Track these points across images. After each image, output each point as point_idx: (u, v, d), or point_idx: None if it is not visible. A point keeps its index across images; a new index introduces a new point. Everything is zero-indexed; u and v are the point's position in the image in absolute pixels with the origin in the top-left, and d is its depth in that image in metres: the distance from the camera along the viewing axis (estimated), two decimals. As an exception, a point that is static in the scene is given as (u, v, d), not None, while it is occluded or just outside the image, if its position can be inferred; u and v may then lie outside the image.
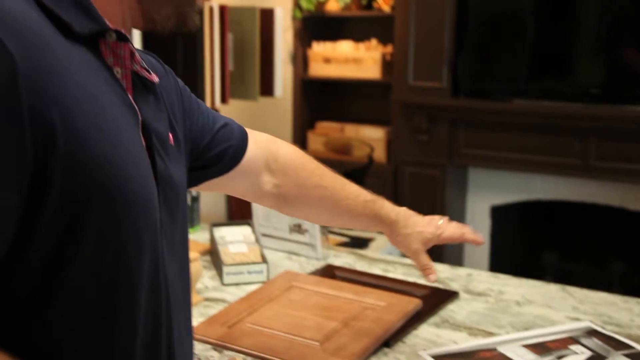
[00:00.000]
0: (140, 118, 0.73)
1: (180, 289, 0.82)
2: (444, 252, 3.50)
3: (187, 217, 0.88)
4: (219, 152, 1.04)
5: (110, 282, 0.67)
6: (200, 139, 0.99)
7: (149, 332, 0.72)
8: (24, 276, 0.62)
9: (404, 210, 1.27)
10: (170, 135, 0.82)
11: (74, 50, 0.64)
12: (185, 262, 0.85)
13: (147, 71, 0.77)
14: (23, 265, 0.61)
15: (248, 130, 1.13)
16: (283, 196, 1.17)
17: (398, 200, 3.77)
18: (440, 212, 3.50)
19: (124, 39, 0.71)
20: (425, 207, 3.49)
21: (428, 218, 1.27)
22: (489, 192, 3.70)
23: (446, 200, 3.52)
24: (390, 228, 1.24)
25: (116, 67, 0.71)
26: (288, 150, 1.21)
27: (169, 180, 0.78)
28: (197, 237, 1.93)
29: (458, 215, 3.73)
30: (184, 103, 0.95)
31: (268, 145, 1.17)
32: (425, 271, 1.24)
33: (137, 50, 0.75)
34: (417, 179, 3.56)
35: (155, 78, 0.78)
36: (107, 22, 0.69)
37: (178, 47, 2.42)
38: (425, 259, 1.24)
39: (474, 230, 1.29)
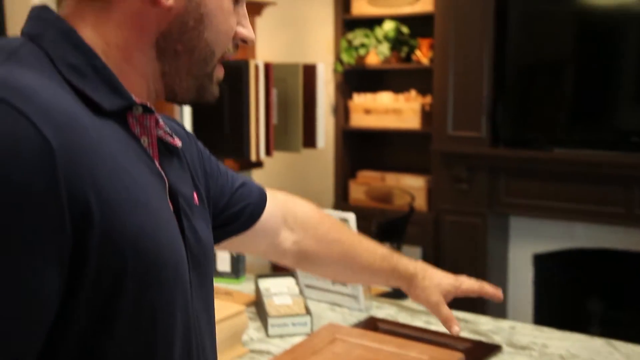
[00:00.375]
0: (167, 184, 0.75)
1: (209, 339, 0.84)
2: (487, 303, 3.46)
3: (213, 272, 0.90)
4: (238, 211, 1.05)
5: (146, 346, 0.69)
6: (219, 199, 1.01)
7: None
8: (62, 353, 0.62)
9: (421, 264, 1.27)
10: (195, 194, 0.85)
11: (104, 127, 0.67)
12: (212, 313, 0.88)
13: (171, 136, 0.79)
14: (61, 343, 0.62)
15: (267, 189, 1.15)
16: (303, 252, 1.19)
17: (439, 249, 3.76)
18: (482, 260, 3.48)
19: (150, 111, 0.73)
20: (466, 256, 3.49)
21: (445, 272, 1.27)
22: (531, 240, 3.65)
23: (487, 249, 3.49)
24: (409, 282, 1.25)
25: (143, 136, 0.74)
26: (306, 208, 1.23)
27: (197, 240, 0.80)
28: (243, 288, 1.96)
29: (500, 264, 3.69)
30: (205, 164, 0.97)
31: (286, 203, 1.20)
32: (447, 323, 1.22)
33: (160, 115, 0.78)
34: (458, 227, 3.55)
35: (178, 142, 0.80)
36: (134, 97, 0.71)
37: (224, 102, 2.50)
38: (447, 310, 1.23)
39: (493, 285, 1.28)
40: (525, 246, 3.67)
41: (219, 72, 0.79)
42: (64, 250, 0.59)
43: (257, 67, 2.54)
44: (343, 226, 1.26)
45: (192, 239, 0.79)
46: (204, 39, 0.74)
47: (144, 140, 0.74)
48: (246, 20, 0.79)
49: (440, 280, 1.25)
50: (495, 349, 1.53)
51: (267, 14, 3.15)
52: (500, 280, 3.68)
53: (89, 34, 0.70)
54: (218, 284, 1.99)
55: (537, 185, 3.40)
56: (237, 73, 2.50)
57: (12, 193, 0.56)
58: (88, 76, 0.67)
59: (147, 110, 0.73)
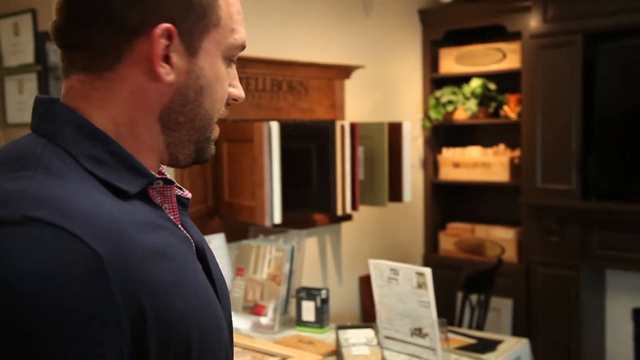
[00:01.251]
0: (194, 245, 0.75)
1: None
2: (582, 357, 3.30)
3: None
4: None
5: None
6: None
7: None
8: None
9: None
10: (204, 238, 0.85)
11: (131, 209, 0.67)
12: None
13: (181, 189, 0.79)
14: None
15: None
16: None
17: (531, 301, 3.64)
18: (577, 314, 3.34)
19: (171, 182, 0.75)
20: (560, 309, 3.36)
21: None
22: (630, 294, 3.46)
23: (582, 302, 3.34)
24: None
25: (164, 204, 0.74)
26: None
27: (223, 286, 0.80)
28: (326, 337, 2.00)
29: (597, 317, 3.51)
30: None
31: None
32: None
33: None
34: (550, 279, 3.43)
35: (189, 194, 0.80)
36: (152, 172, 0.73)
37: (312, 160, 2.59)
38: None
39: None
40: (624, 300, 3.48)
41: (216, 133, 0.79)
42: (124, 350, 0.60)
43: (343, 127, 2.63)
44: None
45: (222, 290, 0.79)
46: (203, 107, 0.74)
47: (166, 207, 0.75)
48: (236, 81, 0.79)
49: None
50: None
51: (356, 76, 3.26)
52: (597, 335, 3.50)
53: (96, 116, 0.70)
54: (302, 333, 2.05)
55: (633, 238, 3.24)
56: (324, 133, 2.59)
57: (71, 309, 0.56)
58: (108, 163, 0.69)
59: (167, 182, 0.75)
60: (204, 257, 0.78)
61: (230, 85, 0.77)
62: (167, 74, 0.70)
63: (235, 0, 0.77)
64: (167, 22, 0.69)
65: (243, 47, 0.77)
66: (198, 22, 0.71)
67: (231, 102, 0.79)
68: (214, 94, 0.75)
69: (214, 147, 0.80)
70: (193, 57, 0.72)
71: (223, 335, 0.74)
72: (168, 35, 0.69)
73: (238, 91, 0.79)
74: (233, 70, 0.78)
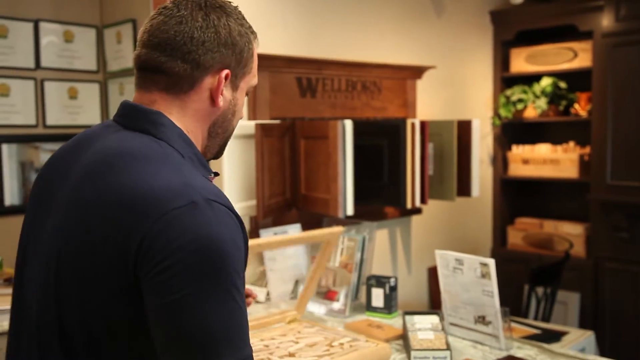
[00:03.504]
0: None
1: None
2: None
3: None
4: None
5: None
6: None
7: None
8: None
9: None
10: None
11: None
12: None
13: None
14: None
15: None
16: None
17: (599, 295, 3.54)
18: (645, 309, 3.21)
19: (217, 174, 1.05)
20: (628, 304, 3.24)
21: None
22: (701, 291, 3.30)
23: (651, 298, 3.22)
24: None
25: None
26: None
27: None
28: (394, 322, 2.03)
29: (667, 313, 3.37)
30: None
31: None
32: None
33: None
34: (618, 274, 3.31)
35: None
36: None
37: (384, 156, 2.62)
38: None
39: None
40: (696, 297, 3.32)
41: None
42: None
43: (413, 125, 2.64)
44: None
45: None
46: (232, 125, 1.06)
47: None
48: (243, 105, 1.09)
49: None
50: (631, 394, 1.45)
51: (428, 76, 3.25)
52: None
53: (176, 124, 0.98)
54: (372, 318, 2.08)
55: None
56: (395, 131, 2.61)
57: (240, 255, 0.89)
58: (195, 161, 0.98)
59: (216, 174, 1.04)
60: None
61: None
62: (221, 101, 1.00)
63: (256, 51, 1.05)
64: (227, 67, 0.99)
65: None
66: (242, 70, 1.02)
67: None
68: (239, 116, 1.06)
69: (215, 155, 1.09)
70: (234, 92, 1.03)
71: None
72: (226, 76, 0.99)
73: (243, 113, 1.10)
74: (245, 97, 1.08)
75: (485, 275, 1.78)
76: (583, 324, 3.35)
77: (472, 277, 1.82)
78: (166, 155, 0.93)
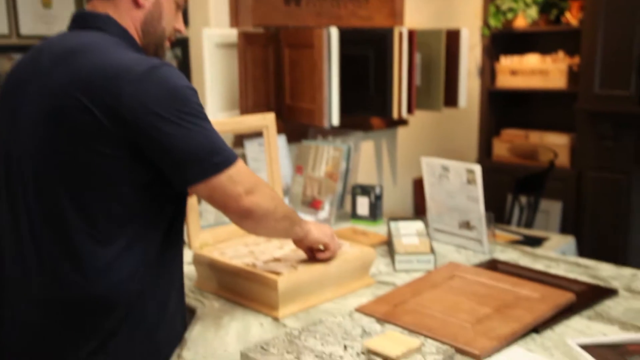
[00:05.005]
0: None
1: None
2: (630, 256, 3.24)
3: None
4: None
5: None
6: None
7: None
8: None
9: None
10: None
11: None
12: None
13: None
14: None
15: None
16: None
17: (581, 205, 3.56)
18: (625, 216, 3.25)
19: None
20: (609, 211, 3.28)
21: None
22: (681, 198, 3.34)
23: (631, 205, 3.25)
24: None
25: None
26: None
27: None
28: (377, 230, 2.03)
29: (647, 221, 3.42)
30: None
31: None
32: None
33: None
34: (601, 183, 3.33)
35: None
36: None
37: (370, 65, 2.55)
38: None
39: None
40: (675, 204, 3.37)
41: (167, 45, 1.30)
42: None
43: (400, 34, 2.55)
44: None
45: None
46: (161, 26, 1.26)
47: None
48: (180, 20, 1.31)
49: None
50: (610, 293, 1.47)
51: (415, -17, 3.13)
52: (645, 236, 3.42)
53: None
54: (357, 226, 2.08)
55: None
56: (382, 40, 2.52)
57: (194, 90, 1.16)
58: (141, 51, 1.24)
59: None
60: None
61: (177, 22, 1.30)
62: (144, 2, 1.23)
63: None
64: None
65: (186, 1, 1.31)
66: None
67: (177, 34, 1.31)
68: (170, 22, 1.28)
69: (165, 52, 1.30)
70: None
71: None
72: None
73: (180, 25, 1.31)
74: (179, 15, 1.30)
75: (470, 182, 1.77)
76: (564, 232, 3.39)
77: (457, 184, 1.80)
78: (120, 42, 1.18)
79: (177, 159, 1.11)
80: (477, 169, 1.76)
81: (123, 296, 1.13)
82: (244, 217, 1.20)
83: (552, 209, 3.50)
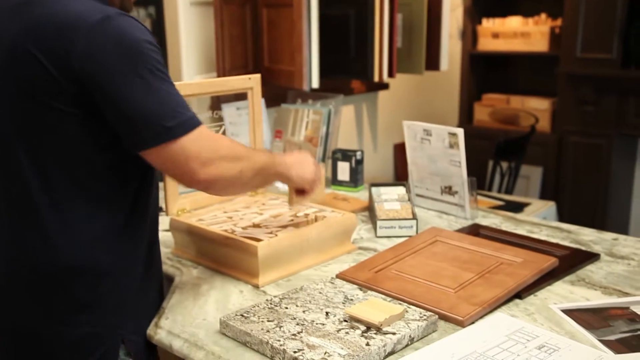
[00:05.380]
0: None
1: None
2: (608, 220, 3.27)
3: None
4: None
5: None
6: None
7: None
8: None
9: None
10: None
11: None
12: None
13: None
14: None
15: None
16: None
17: (561, 168, 3.58)
18: (605, 180, 3.28)
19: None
20: (589, 175, 3.29)
21: None
22: (660, 162, 3.37)
23: (612, 169, 3.27)
24: None
25: None
26: None
27: None
28: (360, 195, 2.00)
29: (626, 185, 3.45)
30: None
31: None
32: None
33: None
34: (581, 147, 3.34)
35: None
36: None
37: (350, 27, 2.49)
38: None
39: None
40: (654, 168, 3.40)
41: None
42: None
43: (382, -7, 2.49)
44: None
45: None
46: None
47: None
48: None
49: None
50: (592, 256, 1.47)
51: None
52: (623, 199, 3.45)
53: None
54: (337, 191, 2.06)
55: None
56: (363, 0, 2.46)
57: (154, 46, 1.06)
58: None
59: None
60: None
61: None
62: None
63: None
64: None
65: None
66: None
67: None
68: None
69: (132, 6, 1.21)
70: None
71: None
72: None
73: None
74: None
75: (453, 145, 1.74)
76: (544, 197, 3.41)
77: (440, 148, 1.78)
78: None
79: (128, 120, 1.02)
80: (460, 132, 1.73)
81: (89, 264, 1.09)
82: (206, 188, 1.12)
83: (532, 174, 3.51)
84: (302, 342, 1.05)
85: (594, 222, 3.25)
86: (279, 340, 1.06)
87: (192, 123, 1.06)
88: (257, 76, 1.68)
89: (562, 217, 2.85)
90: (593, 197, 3.31)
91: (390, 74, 2.59)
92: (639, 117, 3.19)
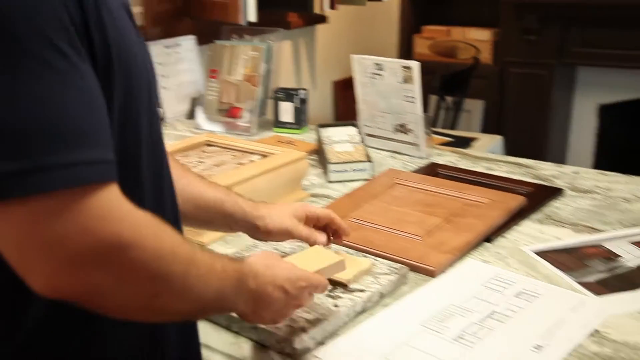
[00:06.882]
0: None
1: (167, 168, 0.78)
2: (548, 151, 3.29)
3: None
4: None
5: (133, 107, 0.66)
6: None
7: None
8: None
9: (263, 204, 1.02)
10: None
11: None
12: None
13: None
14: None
15: None
16: None
17: (504, 101, 3.54)
18: (546, 111, 3.27)
19: None
20: (530, 107, 3.27)
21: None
22: (597, 91, 3.38)
23: (552, 100, 3.26)
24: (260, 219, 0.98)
25: None
26: None
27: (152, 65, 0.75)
28: (305, 138, 1.88)
29: (564, 115, 3.46)
30: None
31: None
32: (310, 239, 1.00)
33: None
34: (523, 79, 3.31)
35: None
36: None
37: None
38: (304, 228, 1.00)
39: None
40: (591, 97, 3.41)
41: None
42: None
43: None
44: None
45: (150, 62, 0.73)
46: None
47: None
48: None
49: (288, 207, 1.02)
50: (557, 192, 1.41)
51: None
52: (562, 130, 3.47)
53: None
54: (281, 134, 1.92)
55: (609, 34, 3.08)
56: None
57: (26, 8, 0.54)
58: None
59: None
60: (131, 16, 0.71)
61: None
62: None
63: None
64: None
65: None
66: None
67: None
68: None
69: None
70: None
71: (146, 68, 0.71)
72: None
73: None
74: None
75: (407, 80, 1.63)
76: (486, 130, 3.38)
77: (392, 83, 1.66)
78: None
79: None
80: (415, 65, 1.62)
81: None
82: (71, 299, 0.59)
83: (474, 107, 3.47)
84: (262, 307, 0.94)
85: (536, 154, 3.26)
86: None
87: (85, 170, 0.55)
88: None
89: (507, 150, 2.82)
90: (534, 128, 3.30)
91: (332, 6, 2.43)
92: (581, 47, 3.16)
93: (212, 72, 2.03)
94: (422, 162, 1.65)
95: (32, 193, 0.52)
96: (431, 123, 1.71)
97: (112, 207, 0.56)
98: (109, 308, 0.60)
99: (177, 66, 2.12)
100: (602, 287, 1.04)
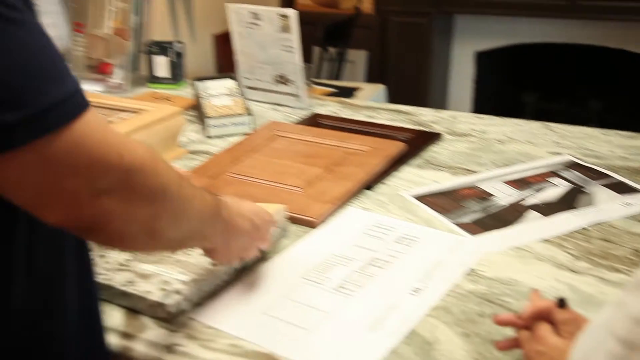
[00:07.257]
0: None
1: None
2: (428, 98, 3.37)
3: None
4: None
5: None
6: None
7: None
8: None
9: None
10: None
11: None
12: None
13: None
14: None
15: None
16: None
17: (386, 51, 3.58)
18: (426, 60, 3.34)
19: None
20: (411, 56, 3.33)
21: None
22: (474, 39, 3.49)
23: (432, 48, 3.33)
24: None
25: None
26: None
27: None
28: (181, 93, 1.79)
29: (444, 62, 3.55)
30: None
31: None
32: None
33: None
34: (403, 28, 3.35)
35: None
36: None
37: None
38: None
39: None
40: (469, 44, 3.52)
41: None
42: None
43: None
44: None
45: None
46: None
47: None
48: None
49: None
50: (436, 137, 1.43)
51: None
52: (442, 77, 3.57)
53: None
54: (157, 90, 1.83)
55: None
56: None
57: None
58: None
59: None
60: None
61: None
62: None
63: None
64: None
65: None
66: None
67: None
68: None
69: None
70: None
71: None
72: None
73: None
74: None
75: (285, 29, 1.58)
76: (371, 80, 3.41)
77: (270, 33, 1.61)
78: None
79: None
80: (292, 13, 1.57)
81: None
82: (88, 230, 0.61)
83: (357, 58, 3.48)
84: (131, 271, 0.89)
85: (419, 101, 3.34)
86: (104, 274, 0.88)
87: (74, 102, 0.56)
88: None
89: (390, 99, 2.87)
90: (415, 77, 3.37)
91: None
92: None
93: (77, 26, 1.88)
94: (304, 113, 1.63)
95: (40, 136, 0.53)
96: (312, 73, 1.67)
97: (105, 128, 0.58)
98: (114, 235, 0.61)
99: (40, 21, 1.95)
100: (477, 227, 1.07)
